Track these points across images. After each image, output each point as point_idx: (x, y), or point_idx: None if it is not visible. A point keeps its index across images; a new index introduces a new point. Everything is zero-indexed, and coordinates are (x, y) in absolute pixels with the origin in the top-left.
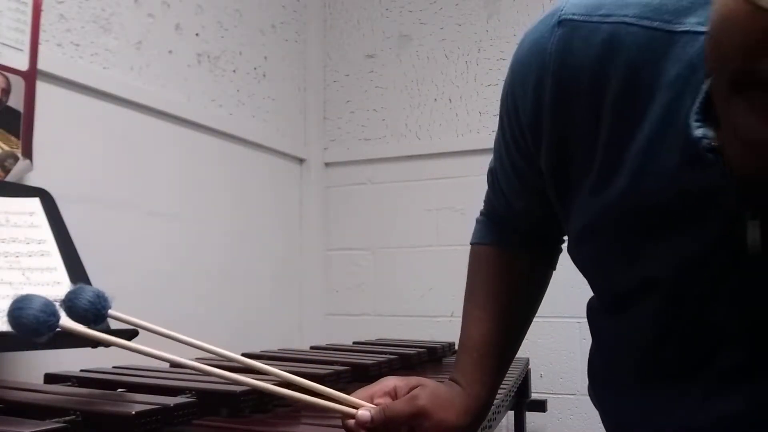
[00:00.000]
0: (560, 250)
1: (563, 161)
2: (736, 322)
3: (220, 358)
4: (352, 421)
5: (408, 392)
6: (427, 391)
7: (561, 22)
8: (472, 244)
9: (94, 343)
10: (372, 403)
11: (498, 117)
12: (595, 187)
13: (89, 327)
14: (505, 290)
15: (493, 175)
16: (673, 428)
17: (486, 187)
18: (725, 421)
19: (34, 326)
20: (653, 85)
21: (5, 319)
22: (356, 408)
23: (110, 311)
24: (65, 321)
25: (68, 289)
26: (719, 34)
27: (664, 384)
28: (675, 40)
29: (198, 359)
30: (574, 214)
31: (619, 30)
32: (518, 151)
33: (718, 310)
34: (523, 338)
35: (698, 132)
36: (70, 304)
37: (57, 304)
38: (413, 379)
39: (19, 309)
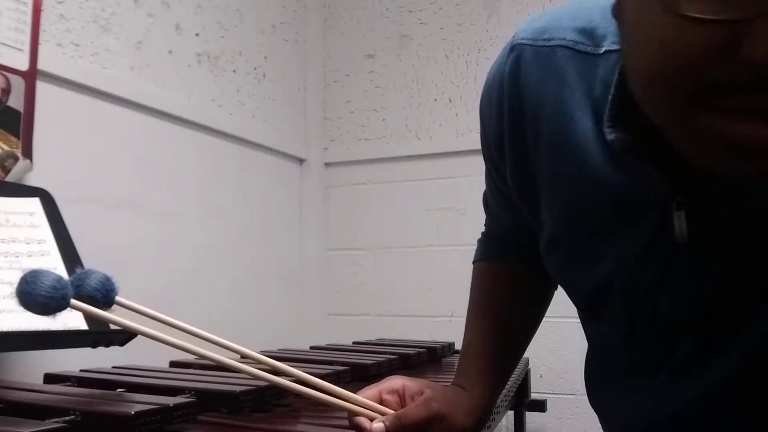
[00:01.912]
0: None
1: (524, 180)
2: (683, 313)
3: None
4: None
5: (417, 394)
6: (439, 394)
7: (513, 47)
8: (474, 262)
9: (94, 342)
10: (380, 401)
11: None
12: (547, 203)
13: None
14: (506, 302)
15: (485, 197)
16: (644, 423)
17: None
18: (681, 411)
19: (43, 303)
20: (583, 103)
21: (15, 295)
22: (369, 409)
23: (117, 298)
24: (75, 301)
25: (76, 273)
26: (656, 57)
27: (642, 381)
28: (598, 62)
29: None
30: (541, 228)
31: (556, 53)
32: (496, 171)
33: (667, 304)
34: (524, 349)
35: (611, 136)
36: (78, 284)
37: (68, 280)
38: (421, 381)
39: (30, 286)
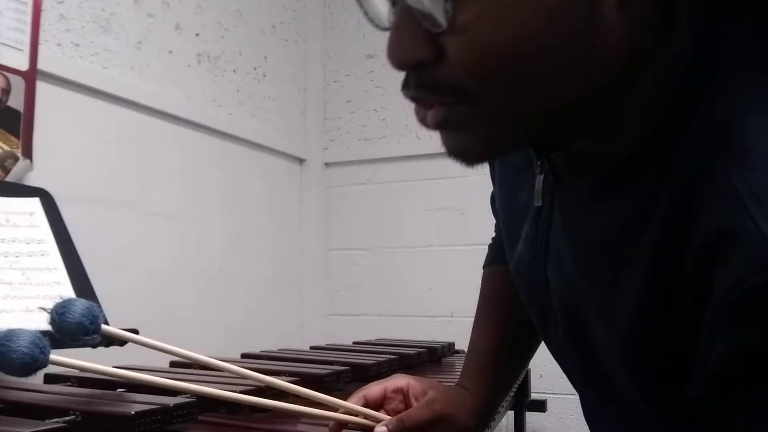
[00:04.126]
0: None
1: None
2: (560, 286)
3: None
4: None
5: (421, 394)
6: (442, 394)
7: None
8: (483, 267)
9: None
10: (384, 398)
11: None
12: None
13: (81, 343)
14: (513, 306)
15: (493, 199)
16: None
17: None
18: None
19: (23, 366)
20: None
21: None
22: (363, 416)
23: (103, 327)
24: (55, 356)
25: (55, 305)
26: None
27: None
28: None
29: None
30: None
31: None
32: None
33: (553, 278)
34: (530, 355)
35: None
36: (59, 323)
37: (46, 339)
38: (425, 381)
39: (5, 347)
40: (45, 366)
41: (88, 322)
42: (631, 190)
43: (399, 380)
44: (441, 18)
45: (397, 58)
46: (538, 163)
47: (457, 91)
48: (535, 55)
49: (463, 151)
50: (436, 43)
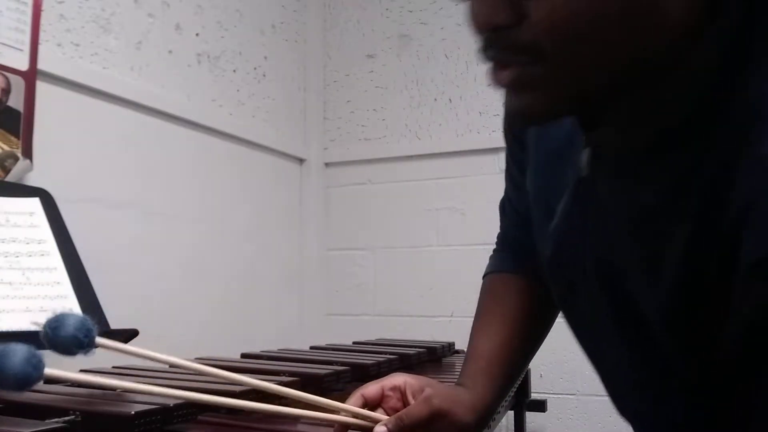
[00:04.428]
0: None
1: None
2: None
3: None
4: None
5: (419, 391)
6: (440, 390)
7: None
8: (485, 274)
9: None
10: (382, 397)
11: (498, 116)
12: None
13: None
14: (513, 309)
15: (502, 204)
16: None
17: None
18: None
19: (17, 384)
20: None
21: None
22: (360, 417)
23: (97, 339)
24: (50, 371)
25: (48, 320)
26: None
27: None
28: None
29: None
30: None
31: None
32: (518, 145)
33: (593, 244)
34: (530, 358)
35: None
36: (52, 336)
37: (39, 354)
38: (423, 379)
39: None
40: (40, 381)
41: (82, 335)
42: (673, 164)
43: (396, 378)
44: None
45: (481, 22)
46: (584, 137)
47: (535, 51)
48: (610, 19)
49: (530, 110)
50: (518, 6)
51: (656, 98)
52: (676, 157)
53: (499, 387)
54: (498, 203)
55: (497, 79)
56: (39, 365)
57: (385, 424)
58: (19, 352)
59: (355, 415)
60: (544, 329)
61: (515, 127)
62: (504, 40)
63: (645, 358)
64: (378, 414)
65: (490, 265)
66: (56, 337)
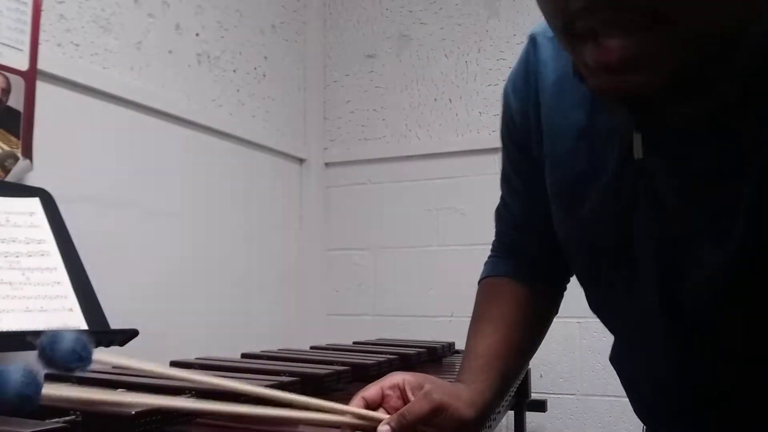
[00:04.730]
0: (564, 291)
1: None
2: (654, 238)
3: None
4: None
5: (417, 388)
6: (439, 385)
7: (530, 36)
8: (481, 279)
9: (94, 342)
10: (382, 397)
11: (498, 116)
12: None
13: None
14: (513, 314)
15: (498, 211)
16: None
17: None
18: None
19: (17, 407)
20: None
21: None
22: (363, 418)
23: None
24: (47, 390)
25: (45, 338)
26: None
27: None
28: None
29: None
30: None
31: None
32: (518, 149)
33: (641, 229)
34: (529, 358)
35: (578, 82)
36: (49, 355)
37: (37, 374)
38: (420, 375)
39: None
40: (38, 401)
41: (80, 348)
42: (734, 133)
43: (394, 377)
44: None
45: None
46: (634, 119)
47: (657, 13)
48: None
49: (647, 87)
50: None
51: (725, 72)
52: (736, 128)
53: (497, 385)
54: (497, 202)
55: (605, 52)
56: (37, 387)
57: (388, 423)
58: (14, 375)
59: (359, 417)
60: (541, 331)
61: (623, 110)
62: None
63: (685, 330)
64: (380, 414)
65: (485, 270)
66: (54, 353)
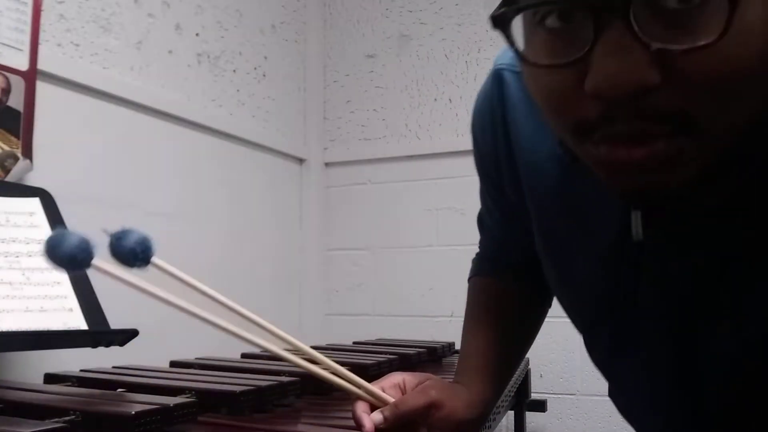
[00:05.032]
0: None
1: (518, 198)
2: (663, 314)
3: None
4: (364, 407)
5: (417, 386)
6: (437, 383)
7: (495, 72)
8: (469, 278)
9: (94, 342)
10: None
11: None
12: (534, 222)
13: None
14: (500, 310)
15: (480, 219)
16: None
17: None
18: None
19: (70, 257)
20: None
21: (43, 246)
22: (373, 397)
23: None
24: (98, 261)
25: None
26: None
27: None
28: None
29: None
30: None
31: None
32: (492, 185)
33: (647, 305)
34: (523, 355)
35: (560, 152)
36: (115, 243)
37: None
38: (421, 375)
39: (57, 242)
40: (89, 264)
41: (140, 249)
42: (745, 209)
43: (395, 377)
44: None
45: (624, 84)
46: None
47: (683, 118)
48: (762, 76)
49: (665, 186)
50: (664, 63)
51: (742, 154)
52: (745, 206)
53: (494, 383)
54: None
55: (629, 156)
56: (90, 251)
57: (382, 412)
58: (72, 236)
59: (370, 393)
60: (535, 324)
61: (634, 204)
62: (644, 106)
63: (685, 404)
64: (389, 397)
65: (472, 269)
66: (119, 246)
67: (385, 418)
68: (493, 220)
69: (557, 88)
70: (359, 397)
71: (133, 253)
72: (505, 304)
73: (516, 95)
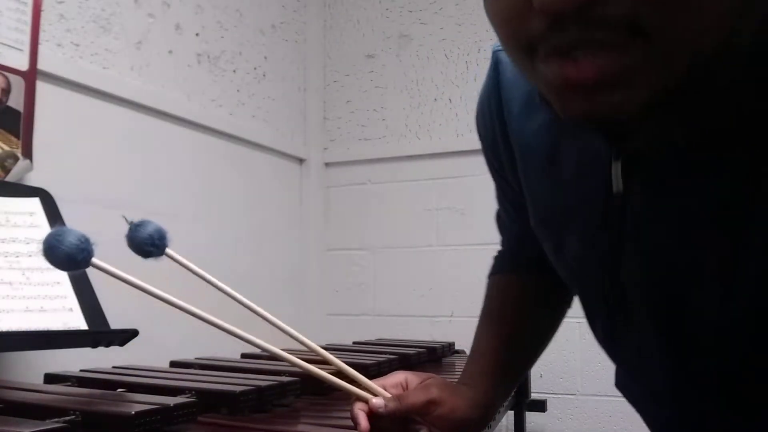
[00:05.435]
0: None
1: (517, 181)
2: (645, 276)
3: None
4: (362, 405)
5: (419, 384)
6: (439, 381)
7: (493, 55)
8: (489, 276)
9: (94, 342)
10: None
11: None
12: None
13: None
14: (515, 310)
15: (498, 216)
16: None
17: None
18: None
19: (69, 255)
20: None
21: (41, 246)
22: (374, 394)
23: (168, 251)
24: (96, 260)
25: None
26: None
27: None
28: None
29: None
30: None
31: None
32: (500, 177)
33: (632, 267)
34: (533, 358)
35: (546, 113)
36: (134, 230)
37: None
38: (424, 374)
39: (56, 240)
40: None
41: (157, 237)
42: (730, 159)
43: (397, 376)
44: None
45: None
46: (613, 149)
47: (633, 27)
48: None
49: (623, 108)
50: None
51: (713, 93)
52: (731, 153)
53: (500, 386)
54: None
55: (575, 71)
56: (89, 250)
57: (382, 399)
58: (70, 235)
59: (372, 391)
60: (548, 327)
61: (597, 137)
62: (592, 15)
63: (686, 370)
64: (389, 394)
65: (492, 266)
66: (136, 233)
67: (386, 406)
68: (508, 216)
69: (506, 7)
70: (358, 397)
71: (150, 239)
72: (521, 303)
73: (510, 74)
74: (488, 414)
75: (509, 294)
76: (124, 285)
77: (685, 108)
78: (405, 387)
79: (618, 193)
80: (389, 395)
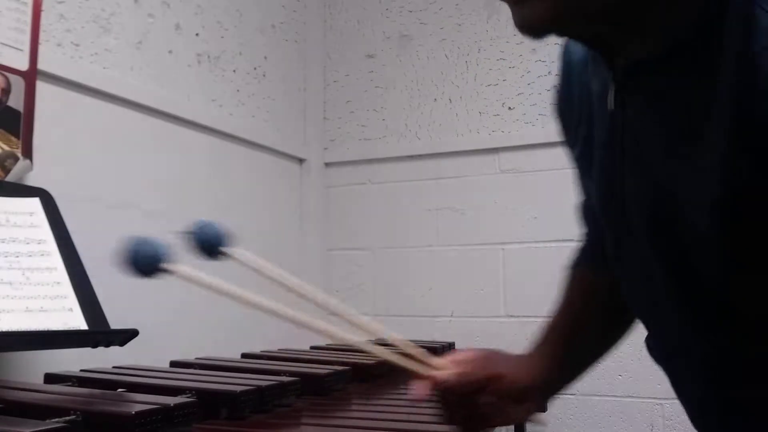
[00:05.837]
0: None
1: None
2: (642, 197)
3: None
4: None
5: (482, 359)
6: (501, 356)
7: None
8: (571, 267)
9: (94, 342)
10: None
11: (498, 116)
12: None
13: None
14: (585, 303)
15: (579, 208)
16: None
17: None
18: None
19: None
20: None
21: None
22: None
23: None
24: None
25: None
26: None
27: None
28: None
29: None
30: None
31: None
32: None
33: (631, 191)
34: (600, 357)
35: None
36: (197, 233)
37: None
38: (487, 350)
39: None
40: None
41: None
42: (695, 71)
43: (461, 353)
44: None
45: None
46: (610, 71)
47: None
48: None
49: (531, 19)
50: None
51: (661, 14)
52: (696, 64)
53: (563, 364)
54: (497, 202)
55: None
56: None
57: (448, 374)
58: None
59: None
60: (612, 332)
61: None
62: None
63: (687, 289)
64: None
65: (577, 258)
66: (201, 234)
67: (447, 379)
68: (586, 206)
69: None
70: (424, 374)
71: (221, 239)
72: (590, 296)
73: (573, 47)
74: (547, 389)
75: (581, 287)
76: (124, 285)
77: (637, 18)
78: (469, 363)
79: (611, 110)
80: (453, 371)
